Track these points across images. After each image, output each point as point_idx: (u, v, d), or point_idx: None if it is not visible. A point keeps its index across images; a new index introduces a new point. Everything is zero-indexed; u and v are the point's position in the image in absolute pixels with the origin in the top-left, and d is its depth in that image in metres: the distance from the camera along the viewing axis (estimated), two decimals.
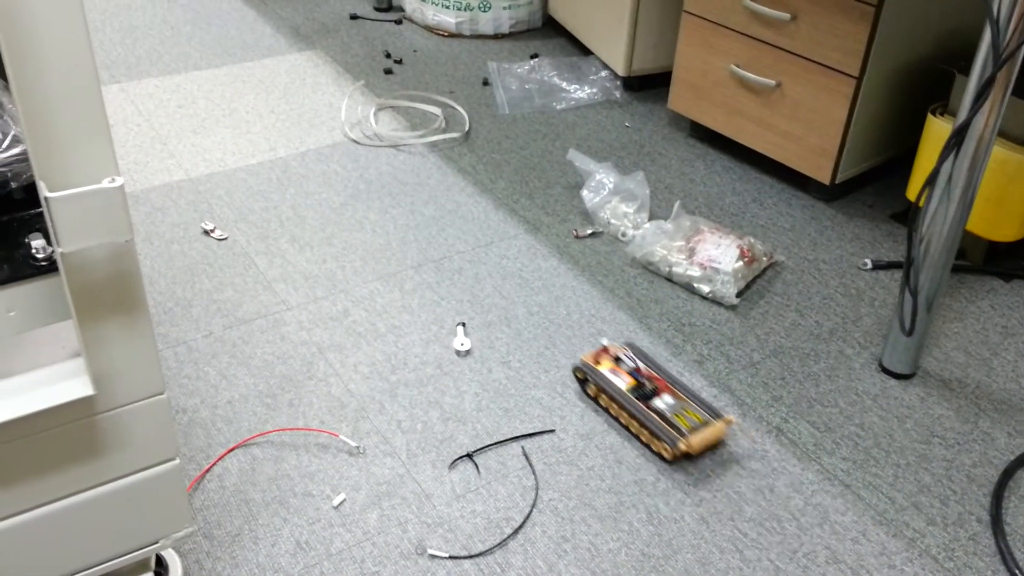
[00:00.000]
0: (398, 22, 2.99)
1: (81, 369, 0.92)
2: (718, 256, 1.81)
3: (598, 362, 1.55)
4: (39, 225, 0.93)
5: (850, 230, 2.04)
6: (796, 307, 1.80)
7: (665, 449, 1.42)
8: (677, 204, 1.98)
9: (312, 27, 2.90)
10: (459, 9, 2.88)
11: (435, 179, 2.16)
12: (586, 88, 2.60)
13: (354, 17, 3.00)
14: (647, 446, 1.46)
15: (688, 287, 1.83)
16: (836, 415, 1.56)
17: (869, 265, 1.92)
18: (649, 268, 1.88)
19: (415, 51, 2.80)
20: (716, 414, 1.46)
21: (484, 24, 2.91)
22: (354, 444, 1.45)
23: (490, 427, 1.50)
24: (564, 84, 2.61)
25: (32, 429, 0.92)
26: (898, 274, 1.91)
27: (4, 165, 0.92)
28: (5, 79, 0.98)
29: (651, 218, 1.99)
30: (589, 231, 1.99)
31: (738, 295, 1.80)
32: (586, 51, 2.79)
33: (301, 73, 2.62)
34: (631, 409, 1.46)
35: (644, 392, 1.49)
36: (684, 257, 1.84)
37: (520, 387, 1.58)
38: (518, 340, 1.69)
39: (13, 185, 0.93)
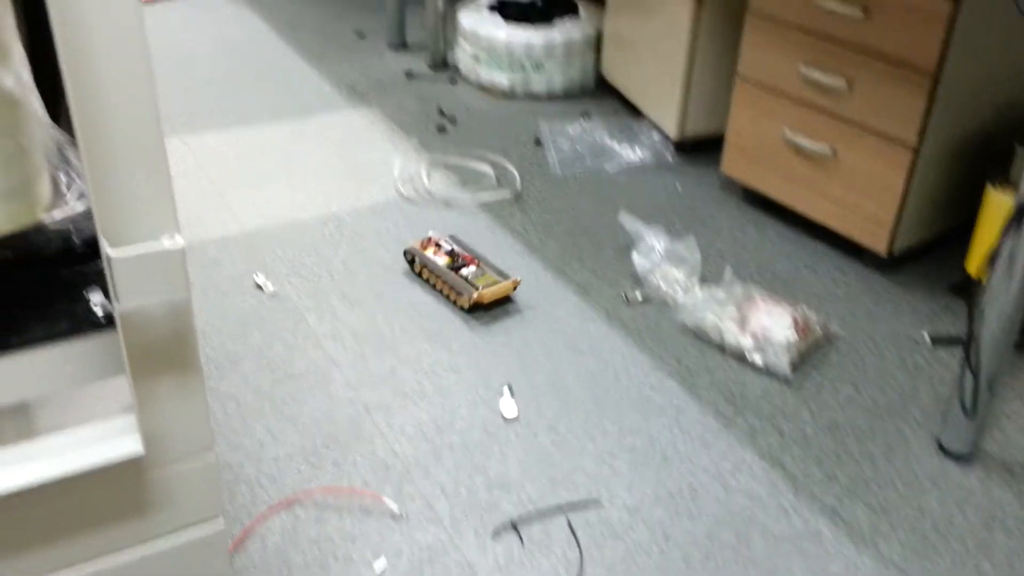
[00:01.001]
0: (452, 81, 3.03)
1: (132, 426, 0.92)
2: (771, 326, 1.78)
3: (424, 248, 2.00)
4: (99, 280, 0.94)
5: (907, 302, 2.00)
6: (851, 381, 1.76)
7: (464, 300, 1.87)
8: (729, 270, 1.96)
9: (368, 84, 2.95)
10: (512, 70, 2.91)
11: (485, 238, 2.16)
12: (638, 150, 2.60)
13: (409, 75, 3.05)
14: (454, 303, 1.91)
15: (740, 357, 1.79)
16: (893, 497, 1.50)
17: (927, 339, 1.87)
18: (700, 335, 1.85)
19: (468, 110, 2.83)
20: (506, 277, 1.93)
21: (537, 85, 2.93)
22: (397, 508, 1.43)
23: (535, 495, 1.47)
24: (616, 146, 2.62)
25: (80, 485, 0.92)
26: (958, 349, 1.86)
27: (69, 220, 0.93)
28: (72, 133, 1.00)
29: (702, 284, 1.96)
30: (639, 296, 1.97)
31: (792, 368, 1.76)
32: (638, 113, 2.80)
33: (356, 129, 2.66)
34: (444, 277, 1.92)
35: (455, 265, 1.94)
36: (736, 325, 1.81)
37: (566, 454, 1.55)
38: (565, 405, 1.66)
39: (76, 240, 0.94)
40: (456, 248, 1.99)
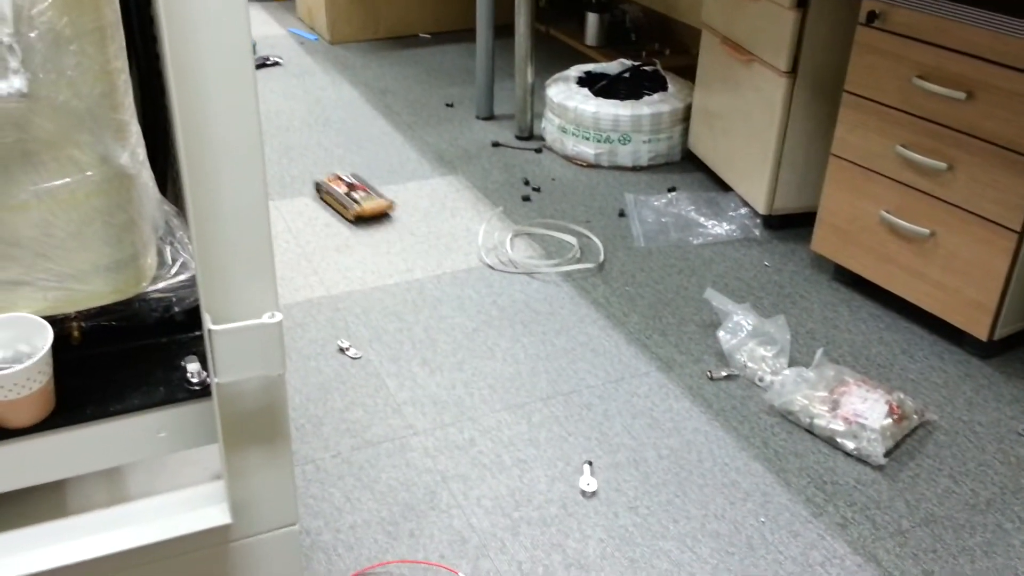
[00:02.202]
0: (538, 151, 3.06)
1: (220, 495, 0.93)
2: (865, 411, 1.72)
3: (331, 181, 2.62)
4: (195, 348, 0.96)
5: (1008, 391, 1.91)
6: (950, 472, 1.68)
7: (349, 213, 2.49)
8: (820, 351, 1.90)
9: (455, 153, 3.01)
10: (599, 141, 2.93)
11: (567, 309, 2.15)
12: (724, 224, 2.57)
13: (496, 145, 3.09)
14: (343, 216, 2.53)
15: (831, 442, 1.73)
16: None
17: None
18: (788, 418, 1.80)
19: (553, 180, 2.85)
20: (384, 199, 2.56)
21: (623, 156, 2.94)
22: None
23: None
24: (702, 219, 2.60)
25: (168, 552, 0.93)
26: None
27: (171, 290, 0.96)
28: (179, 205, 1.03)
29: (791, 364, 1.91)
30: (724, 373, 1.93)
31: (886, 454, 1.69)
32: (725, 187, 2.77)
33: (442, 197, 2.70)
34: (338, 198, 2.54)
35: (349, 192, 2.56)
36: (827, 409, 1.75)
37: (647, 536, 1.51)
38: (646, 484, 1.62)
39: (176, 309, 0.97)
40: (354, 181, 2.61)
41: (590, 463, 1.67)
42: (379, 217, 2.52)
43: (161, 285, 0.93)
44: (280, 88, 3.51)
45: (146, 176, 0.89)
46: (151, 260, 0.92)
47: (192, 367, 0.91)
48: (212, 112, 0.73)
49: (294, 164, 2.88)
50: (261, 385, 0.87)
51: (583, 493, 1.60)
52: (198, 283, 0.80)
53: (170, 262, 0.95)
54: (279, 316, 0.83)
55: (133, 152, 0.86)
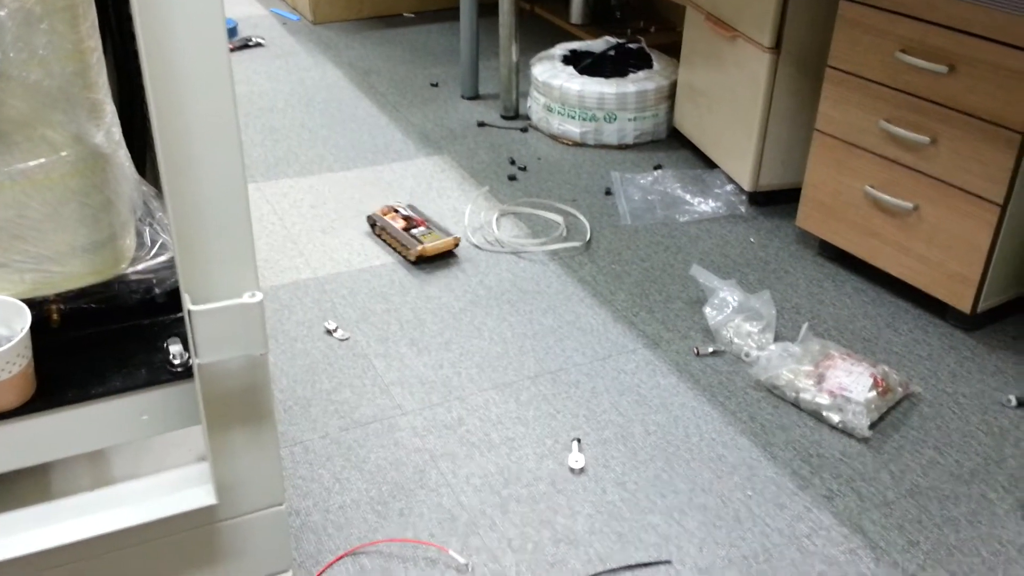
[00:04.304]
0: (524, 130, 3.05)
1: (205, 476, 0.93)
2: (849, 384, 1.73)
3: (385, 214, 2.34)
4: (177, 330, 0.95)
5: (992, 362, 1.92)
6: (934, 443, 1.69)
7: (410, 253, 2.20)
8: (805, 326, 1.91)
9: (440, 133, 2.99)
10: (584, 119, 2.92)
11: (554, 288, 2.15)
12: (710, 201, 2.57)
13: (481, 124, 3.08)
14: (404, 256, 2.24)
15: (816, 415, 1.74)
16: (978, 565, 1.43)
17: (1013, 402, 1.79)
18: (774, 392, 1.81)
19: (539, 159, 2.84)
20: (448, 235, 2.25)
21: (608, 135, 2.94)
22: (463, 561, 1.41)
23: (603, 552, 1.44)
24: (688, 196, 2.60)
25: (154, 534, 0.93)
26: None
27: (151, 271, 0.96)
28: (158, 186, 1.03)
29: (777, 339, 1.92)
30: (711, 349, 1.94)
31: (871, 427, 1.70)
32: (711, 164, 2.77)
33: (428, 177, 2.69)
34: (396, 236, 2.26)
35: (408, 227, 2.27)
36: (812, 383, 1.76)
37: (635, 511, 1.52)
38: (634, 460, 1.63)
39: (157, 291, 0.96)
40: (411, 214, 2.33)
41: (578, 440, 1.68)
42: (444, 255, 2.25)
43: (141, 267, 0.92)
44: (263, 69, 3.49)
45: (122, 156, 0.88)
46: (130, 241, 0.92)
47: (174, 348, 0.91)
48: (186, 89, 0.72)
49: (278, 145, 2.86)
50: (243, 365, 0.87)
51: (571, 470, 1.61)
52: (176, 263, 0.80)
53: (150, 243, 0.94)
54: (260, 296, 0.83)
55: (108, 132, 0.85)
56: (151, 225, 0.96)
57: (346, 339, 1.95)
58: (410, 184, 2.64)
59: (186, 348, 0.90)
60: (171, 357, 0.90)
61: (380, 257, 2.26)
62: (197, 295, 0.81)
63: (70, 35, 0.78)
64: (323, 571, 1.39)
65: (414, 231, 2.24)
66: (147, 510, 0.89)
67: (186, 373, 0.89)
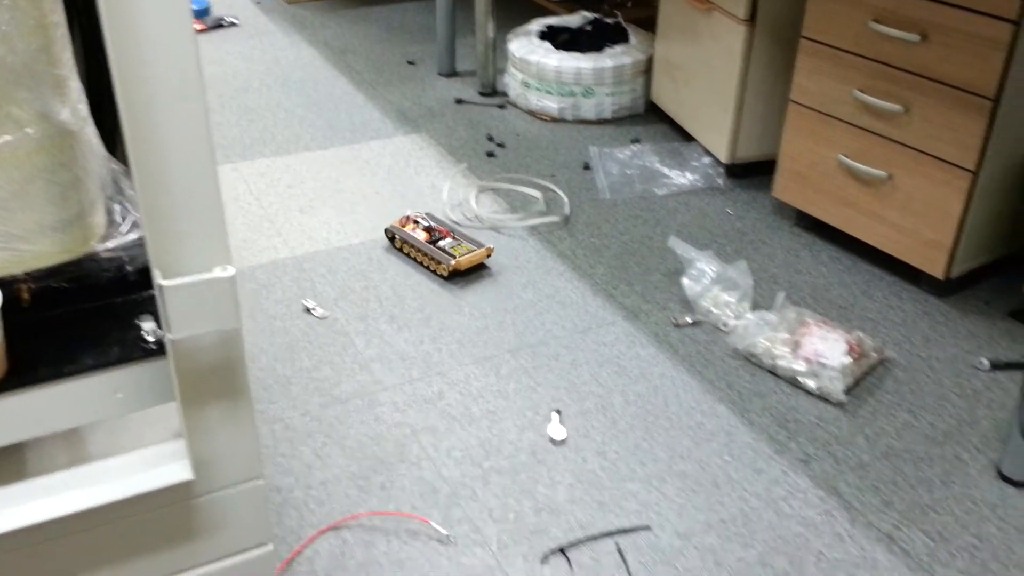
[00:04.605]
0: (502, 107, 3.05)
1: (182, 452, 0.94)
2: (825, 350, 1.75)
3: (404, 225, 2.17)
4: (150, 308, 0.96)
5: (965, 327, 1.95)
6: (908, 407, 1.71)
7: (443, 268, 2.05)
8: (781, 295, 1.93)
9: (418, 111, 2.99)
10: (562, 95, 2.92)
11: (534, 263, 2.16)
12: (688, 174, 2.58)
13: (459, 101, 3.07)
14: (435, 272, 2.08)
15: (793, 382, 1.76)
16: (951, 524, 1.46)
17: (986, 365, 1.82)
18: (751, 360, 1.83)
19: (518, 135, 2.84)
20: (480, 246, 2.10)
21: (586, 110, 2.94)
22: (445, 532, 1.43)
23: (584, 520, 1.46)
24: (665, 170, 2.61)
25: (131, 511, 0.93)
26: (1018, 375, 1.80)
27: (122, 249, 0.96)
28: (127, 164, 1.02)
29: (754, 308, 1.94)
30: (689, 320, 1.95)
31: (846, 392, 1.72)
32: (688, 137, 2.78)
33: (406, 155, 2.69)
34: (424, 249, 2.09)
35: (433, 239, 2.11)
36: (789, 350, 1.78)
37: (616, 479, 1.54)
38: (614, 430, 1.65)
39: (129, 269, 0.96)
40: (432, 224, 2.17)
41: (558, 411, 1.69)
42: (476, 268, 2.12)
43: (112, 244, 0.92)
44: (237, 49, 3.46)
45: (90, 133, 0.88)
46: (99, 219, 0.91)
47: (147, 325, 0.91)
48: (148, 57, 0.72)
49: (254, 125, 2.85)
50: (217, 340, 0.87)
51: (552, 441, 1.62)
52: (145, 238, 0.80)
53: (120, 221, 0.94)
54: (232, 270, 0.83)
55: (74, 108, 0.85)
56: (121, 203, 0.96)
57: (325, 317, 1.95)
58: (388, 163, 2.64)
59: (159, 325, 0.91)
60: (144, 334, 0.90)
61: (358, 235, 2.26)
62: (167, 270, 0.81)
63: (33, 10, 0.77)
64: (305, 546, 1.40)
65: (442, 244, 2.09)
66: (123, 487, 0.89)
67: (159, 350, 0.90)
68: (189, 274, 0.82)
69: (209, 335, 0.87)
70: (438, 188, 2.50)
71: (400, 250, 2.16)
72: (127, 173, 0.99)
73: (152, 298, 0.96)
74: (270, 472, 1.54)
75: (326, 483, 1.52)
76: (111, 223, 0.94)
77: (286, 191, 2.47)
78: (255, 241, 2.23)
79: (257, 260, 2.16)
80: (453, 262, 2.04)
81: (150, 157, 0.77)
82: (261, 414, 1.67)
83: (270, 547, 1.03)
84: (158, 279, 0.81)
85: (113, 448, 0.97)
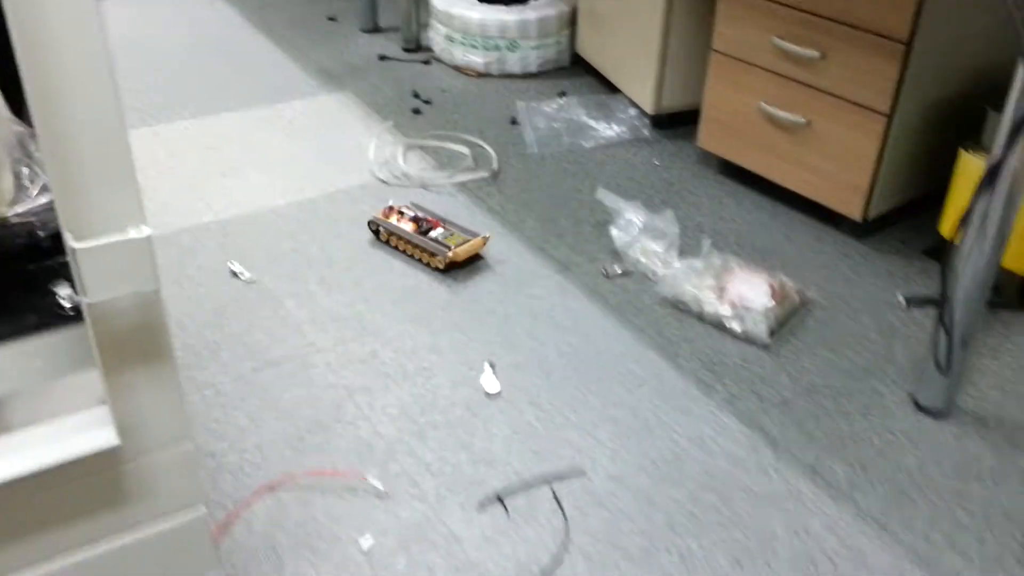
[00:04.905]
0: (426, 62, 3.02)
1: (106, 418, 0.93)
2: (749, 294, 1.79)
3: (387, 216, 2.05)
4: (66, 273, 0.94)
5: (882, 266, 2.01)
6: (829, 345, 1.77)
7: (439, 261, 1.93)
8: (707, 242, 1.97)
9: (341, 68, 2.94)
10: (487, 49, 2.90)
11: (464, 219, 2.16)
12: (614, 126, 2.60)
13: (383, 58, 3.03)
14: (427, 264, 1.97)
15: (719, 326, 1.81)
16: (871, 454, 1.52)
17: (903, 302, 1.89)
18: (679, 307, 1.86)
19: (443, 91, 2.82)
20: (475, 235, 1.98)
21: (512, 64, 2.93)
22: (382, 487, 1.44)
23: (520, 469, 1.48)
24: (592, 123, 2.62)
25: (56, 479, 0.92)
26: (932, 311, 1.88)
27: (33, 214, 0.93)
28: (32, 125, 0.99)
29: (681, 257, 1.97)
30: (619, 270, 1.98)
31: (770, 334, 1.77)
32: (614, 89, 2.79)
33: (330, 114, 2.65)
34: (414, 241, 1.98)
35: (422, 229, 1.99)
36: (715, 296, 1.82)
37: (550, 428, 1.57)
38: (548, 381, 1.67)
39: (41, 234, 0.94)
40: (419, 214, 2.05)
41: (492, 365, 1.71)
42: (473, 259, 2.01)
43: (21, 209, 0.90)
44: (153, 12, 3.35)
45: None
46: (6, 183, 0.89)
47: (63, 291, 0.90)
48: (50, 15, 0.70)
49: (172, 87, 2.78)
50: (135, 303, 0.86)
51: (487, 394, 1.64)
52: (55, 200, 0.78)
53: (29, 185, 0.92)
54: (147, 230, 0.82)
55: None
56: (29, 166, 0.93)
57: (253, 281, 1.93)
58: (312, 122, 2.60)
59: (75, 290, 0.89)
60: (60, 300, 0.89)
61: (284, 197, 2.23)
62: (79, 232, 0.80)
63: None
64: (242, 508, 1.40)
65: (433, 234, 1.97)
66: (48, 455, 0.88)
67: (77, 315, 0.88)
68: (102, 236, 0.81)
69: (127, 298, 0.86)
70: (364, 147, 2.47)
71: (387, 243, 2.04)
72: (33, 135, 0.96)
73: (67, 263, 0.94)
74: (203, 438, 1.53)
75: (261, 446, 1.52)
76: (19, 187, 0.92)
77: (207, 153, 2.42)
78: (176, 205, 2.19)
79: (179, 224, 2.12)
80: (450, 253, 1.92)
81: (55, 117, 0.75)
82: (191, 380, 1.65)
83: (203, 510, 1.03)
84: (70, 242, 0.79)
85: (36, 417, 0.95)
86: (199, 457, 1.49)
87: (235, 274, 1.94)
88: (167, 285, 1.91)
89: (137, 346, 0.89)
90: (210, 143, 2.47)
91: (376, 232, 2.05)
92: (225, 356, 1.71)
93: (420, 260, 1.98)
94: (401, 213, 2.04)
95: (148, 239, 0.82)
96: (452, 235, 1.97)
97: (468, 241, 1.96)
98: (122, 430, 0.92)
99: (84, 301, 0.83)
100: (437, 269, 1.94)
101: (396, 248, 2.01)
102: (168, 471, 0.98)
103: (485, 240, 1.99)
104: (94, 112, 0.76)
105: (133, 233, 0.81)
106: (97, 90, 0.76)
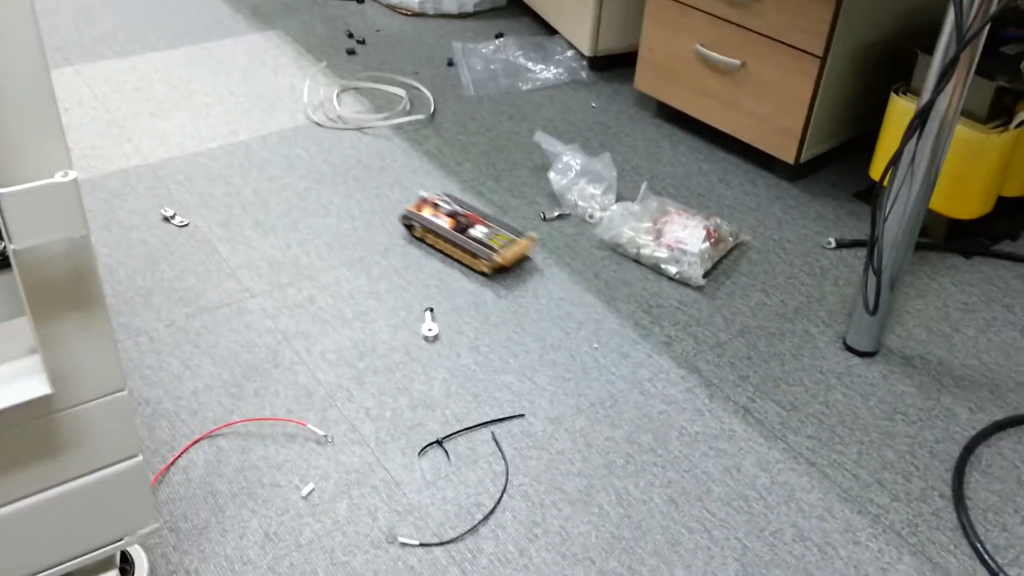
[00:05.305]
0: (360, 1, 2.95)
1: (38, 367, 0.90)
2: (685, 237, 1.82)
3: (420, 210, 1.85)
4: None
5: (814, 209, 2.05)
6: (762, 287, 1.81)
7: (484, 264, 1.74)
8: (644, 185, 1.98)
9: (272, 6, 2.85)
10: None
11: (400, 162, 2.13)
12: (552, 68, 2.58)
13: None
14: (469, 267, 1.78)
15: (655, 268, 1.83)
16: (801, 394, 1.57)
17: (833, 244, 1.93)
18: (617, 250, 1.88)
19: (378, 31, 2.76)
20: (520, 234, 1.79)
21: (448, 3, 2.87)
22: (322, 433, 1.44)
23: (459, 413, 1.49)
24: (530, 64, 2.59)
25: None
26: (862, 252, 1.93)
27: None
28: None
29: (618, 200, 1.98)
30: (556, 213, 1.99)
31: (705, 276, 1.80)
32: (552, 31, 2.77)
33: (261, 54, 2.58)
34: (453, 240, 1.78)
35: (461, 226, 1.80)
36: (651, 239, 1.84)
37: (489, 372, 1.58)
38: (486, 325, 1.68)
39: None
40: (456, 207, 1.83)
41: (431, 309, 1.70)
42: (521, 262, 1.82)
43: None
44: None
45: None
46: None
47: None
48: None
49: (95, 26, 2.66)
50: (64, 249, 0.84)
51: (425, 338, 1.64)
52: None
53: None
54: (73, 174, 0.79)
55: None
56: None
57: (185, 225, 1.89)
58: (242, 62, 2.52)
59: (1, 237, 0.86)
60: None
61: (215, 140, 2.18)
62: (3, 178, 0.77)
63: None
64: (179, 456, 1.39)
65: (474, 232, 1.76)
66: None
67: (5, 262, 0.85)
68: (26, 181, 0.78)
69: (56, 244, 0.83)
70: (297, 89, 2.41)
71: (422, 240, 1.84)
72: None
73: None
74: (137, 385, 1.50)
75: (197, 393, 1.50)
76: None
77: (134, 95, 2.34)
78: (104, 149, 2.12)
79: (107, 168, 2.05)
80: (497, 257, 1.72)
81: None
82: (124, 327, 1.62)
83: (140, 458, 1.02)
84: None
85: None
86: (134, 405, 1.46)
87: (167, 219, 1.90)
88: (96, 231, 1.85)
89: (67, 293, 0.87)
90: (137, 84, 2.39)
91: (409, 227, 1.85)
92: (158, 302, 1.68)
93: (460, 262, 1.78)
94: (436, 206, 1.84)
95: (74, 183, 0.80)
96: (496, 234, 1.77)
97: (514, 243, 1.76)
98: (54, 378, 0.90)
99: (10, 248, 0.80)
100: (480, 273, 1.75)
101: (433, 247, 1.82)
102: (102, 420, 0.96)
103: (532, 240, 1.79)
104: (13, 51, 0.73)
105: (59, 177, 0.79)
106: (17, 28, 0.72)
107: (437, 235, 1.79)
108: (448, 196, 1.83)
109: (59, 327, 0.88)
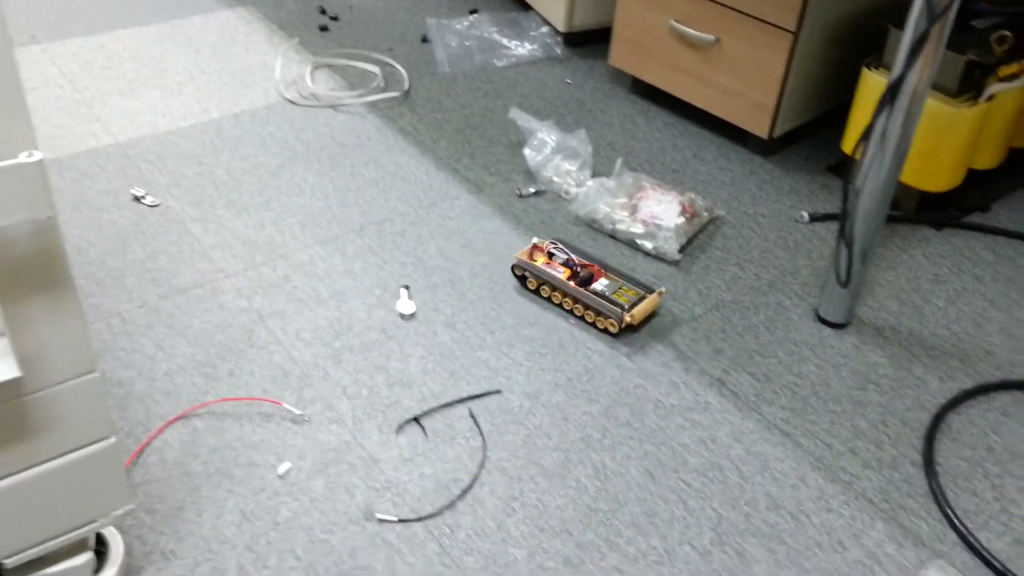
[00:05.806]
0: None
1: (6, 350, 0.90)
2: (660, 213, 1.82)
3: (533, 258, 1.70)
4: None
5: (787, 183, 2.06)
6: (736, 261, 1.82)
7: (612, 324, 1.60)
8: (619, 161, 1.98)
9: None
10: None
11: (375, 140, 2.12)
12: (527, 45, 2.57)
13: None
14: (593, 325, 1.64)
15: (631, 244, 1.83)
16: (775, 365, 1.58)
17: (806, 218, 1.95)
18: (592, 226, 1.88)
19: (351, 7, 2.73)
20: (649, 289, 1.66)
21: None
22: (298, 412, 1.44)
23: (436, 390, 1.50)
24: (504, 41, 2.58)
25: None
26: (834, 226, 1.94)
27: None
28: None
29: (594, 176, 1.98)
30: (532, 190, 1.98)
31: (680, 250, 1.81)
32: (526, 6, 2.75)
33: (232, 31, 2.54)
34: (575, 295, 1.64)
35: (581, 278, 1.65)
36: (627, 214, 1.84)
37: (466, 349, 1.58)
38: (463, 302, 1.68)
39: None
40: (572, 256, 1.68)
41: (407, 287, 1.70)
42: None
43: None
44: None
45: None
46: None
47: None
48: None
49: (61, 2, 2.62)
50: (32, 230, 0.83)
51: (401, 316, 1.64)
52: None
53: None
54: (39, 155, 0.78)
55: None
56: None
57: (157, 205, 1.87)
58: (213, 39, 2.49)
59: None
60: None
61: (187, 118, 2.15)
62: None
63: None
64: (154, 436, 1.38)
65: (597, 287, 1.63)
66: None
67: None
68: None
69: (22, 225, 0.82)
70: (269, 66, 2.39)
71: (536, 292, 1.70)
72: None
73: None
74: (110, 366, 1.49)
75: (171, 374, 1.49)
76: None
77: (103, 73, 2.31)
78: (72, 128, 2.09)
79: (76, 148, 2.02)
80: (626, 316, 1.58)
81: None
82: (95, 309, 1.60)
83: (113, 440, 1.01)
84: None
85: None
86: (105, 386, 1.45)
87: (137, 199, 1.88)
88: (65, 212, 1.83)
89: (35, 275, 0.86)
90: (105, 62, 2.36)
91: (522, 279, 1.71)
92: (130, 283, 1.67)
93: (583, 319, 1.64)
94: (550, 255, 1.69)
95: (40, 163, 0.79)
96: (620, 287, 1.64)
97: (643, 298, 1.62)
98: (23, 361, 0.90)
99: None
100: (607, 332, 1.62)
101: (549, 300, 1.68)
102: (74, 403, 0.96)
103: (661, 295, 1.65)
104: None
105: (23, 158, 0.78)
106: None
107: (554, 288, 1.66)
108: (558, 241, 1.70)
109: (27, 309, 0.87)
